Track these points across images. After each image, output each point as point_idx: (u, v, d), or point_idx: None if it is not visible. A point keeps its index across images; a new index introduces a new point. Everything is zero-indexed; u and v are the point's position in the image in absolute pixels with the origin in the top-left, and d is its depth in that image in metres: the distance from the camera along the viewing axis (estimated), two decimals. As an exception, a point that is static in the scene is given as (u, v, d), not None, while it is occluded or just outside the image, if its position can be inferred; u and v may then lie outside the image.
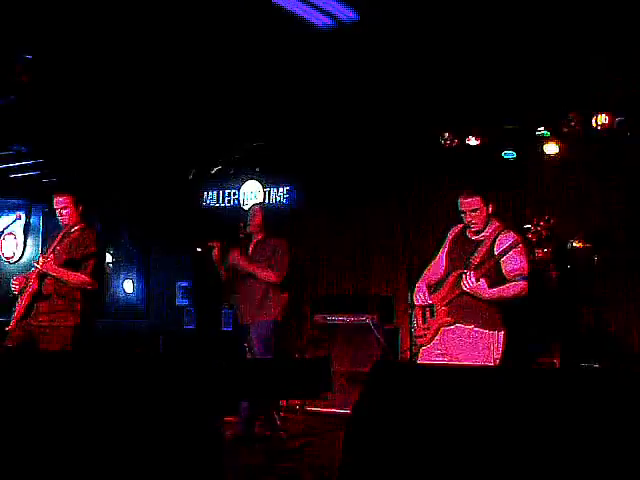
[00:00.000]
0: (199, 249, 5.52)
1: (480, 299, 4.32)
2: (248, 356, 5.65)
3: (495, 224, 4.50)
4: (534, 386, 2.36)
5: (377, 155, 7.49)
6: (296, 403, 6.91)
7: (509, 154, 6.89)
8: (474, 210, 4.44)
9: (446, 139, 6.99)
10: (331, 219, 8.12)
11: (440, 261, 4.67)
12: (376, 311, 6.96)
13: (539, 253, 6.01)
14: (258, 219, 5.94)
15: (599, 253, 6.24)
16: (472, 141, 6.95)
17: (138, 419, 2.72)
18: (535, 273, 6.01)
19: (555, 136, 6.58)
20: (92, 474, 2.65)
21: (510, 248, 4.26)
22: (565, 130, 6.41)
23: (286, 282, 8.10)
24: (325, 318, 7.21)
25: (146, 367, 2.95)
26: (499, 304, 4.38)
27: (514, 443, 2.20)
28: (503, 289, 4.32)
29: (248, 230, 5.91)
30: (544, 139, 6.66)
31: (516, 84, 6.03)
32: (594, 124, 6.23)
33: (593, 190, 6.67)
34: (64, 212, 5.26)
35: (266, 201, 8.56)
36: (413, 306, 4.69)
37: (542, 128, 6.58)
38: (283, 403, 6.76)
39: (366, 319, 6.92)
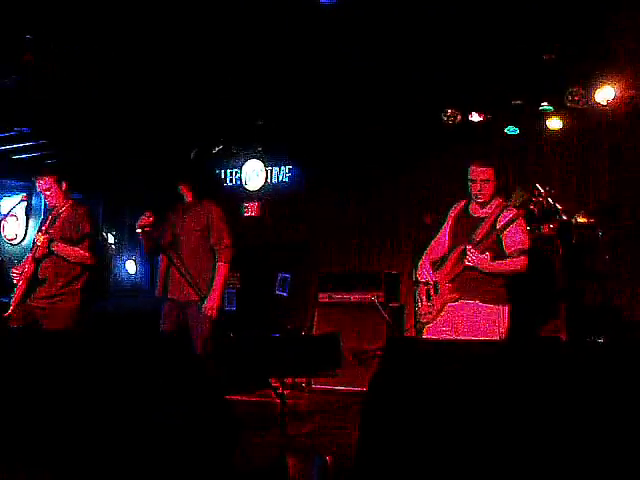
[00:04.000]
0: (139, 230, 5.03)
1: (483, 273, 4.37)
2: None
3: (498, 200, 4.54)
4: (542, 360, 2.38)
5: (380, 133, 7.47)
6: (302, 381, 6.94)
7: (512, 130, 6.87)
8: (485, 181, 4.47)
9: (449, 116, 6.96)
10: (334, 197, 8.11)
11: (442, 238, 4.71)
12: (382, 289, 6.98)
13: (544, 229, 6.03)
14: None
15: (603, 228, 6.23)
16: (475, 117, 6.93)
17: (145, 396, 2.74)
18: (540, 248, 6.06)
19: (558, 111, 6.56)
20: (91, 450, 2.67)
21: (510, 222, 4.32)
22: (568, 105, 6.38)
23: (289, 261, 8.17)
24: (330, 296, 7.24)
25: (152, 347, 2.96)
26: (503, 279, 4.43)
27: (521, 414, 2.23)
28: (504, 263, 4.38)
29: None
30: (547, 114, 6.63)
31: (518, 59, 6.01)
32: (597, 98, 6.22)
33: (597, 165, 6.66)
34: (48, 193, 5.26)
35: (268, 180, 8.55)
36: (417, 283, 4.72)
37: (545, 103, 6.56)
38: (289, 381, 6.79)
39: (371, 297, 6.94)
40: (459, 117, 6.95)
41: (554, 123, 6.66)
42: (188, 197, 5.26)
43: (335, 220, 8.07)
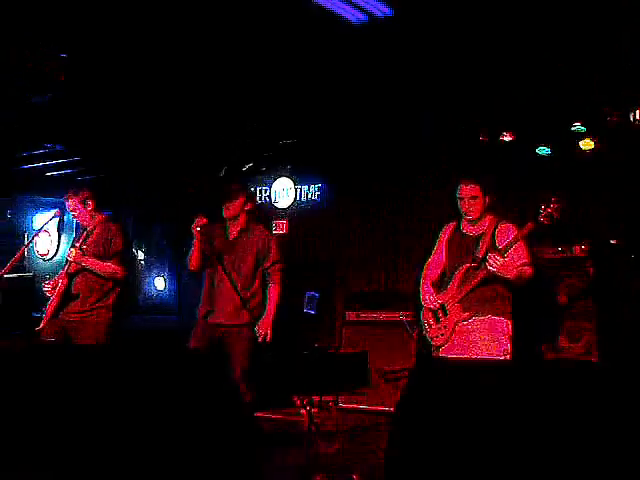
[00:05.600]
0: (198, 229, 5.08)
1: (496, 286, 4.45)
2: None
3: (490, 217, 4.63)
4: (574, 382, 2.34)
5: (410, 152, 7.45)
6: (329, 399, 6.90)
7: (544, 150, 6.81)
8: (473, 197, 4.56)
9: (480, 136, 6.93)
10: (363, 216, 8.09)
11: (438, 258, 4.80)
12: (410, 307, 6.92)
13: (576, 250, 6.01)
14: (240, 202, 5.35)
15: (635, 250, 6.16)
16: (506, 137, 6.87)
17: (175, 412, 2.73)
18: (572, 269, 6.02)
19: (591, 131, 6.48)
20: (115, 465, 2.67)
21: (513, 243, 4.40)
22: (602, 125, 6.31)
23: (317, 279, 8.13)
24: (358, 315, 7.21)
25: (180, 362, 2.96)
26: (510, 294, 4.52)
27: (554, 435, 2.19)
28: (522, 270, 4.43)
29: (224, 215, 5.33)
30: (580, 135, 6.56)
31: (552, 79, 5.97)
32: (632, 119, 6.15)
33: (629, 186, 6.57)
34: (75, 214, 5.40)
35: (297, 198, 8.56)
36: (421, 307, 4.76)
37: (578, 123, 6.49)
38: (316, 399, 6.76)
39: (399, 316, 6.90)
40: (490, 137, 6.91)
41: (587, 144, 6.58)
42: (240, 222, 5.33)
43: (364, 238, 8.05)
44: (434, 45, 5.59)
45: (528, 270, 4.47)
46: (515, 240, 4.40)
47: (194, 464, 2.51)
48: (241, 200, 5.32)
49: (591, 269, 6.00)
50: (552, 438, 2.22)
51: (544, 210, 4.33)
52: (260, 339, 5.10)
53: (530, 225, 4.41)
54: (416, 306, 4.99)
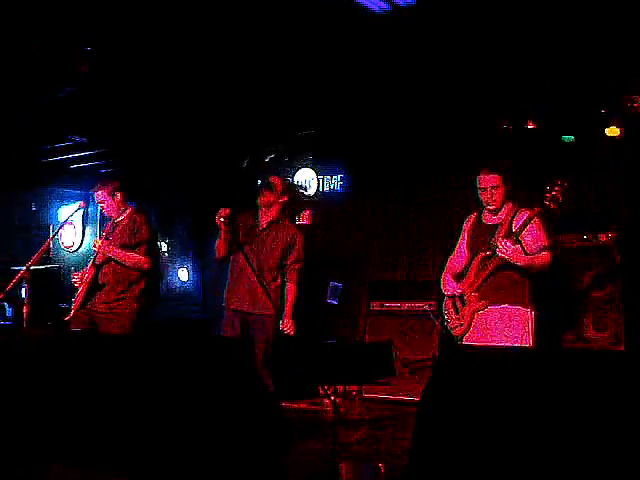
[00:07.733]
0: (221, 219, 5.12)
1: (510, 272, 4.40)
2: None
3: (509, 205, 4.62)
4: (600, 371, 2.33)
5: (431, 141, 7.41)
6: (353, 389, 6.90)
7: (568, 138, 6.73)
8: (495, 187, 4.56)
9: (503, 123, 6.88)
10: (386, 205, 8.07)
11: (461, 251, 4.78)
12: (433, 297, 6.91)
13: (602, 237, 5.97)
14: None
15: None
16: (529, 125, 6.81)
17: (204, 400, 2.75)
18: (599, 257, 5.98)
19: (617, 118, 6.41)
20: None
21: (526, 223, 4.37)
22: (628, 109, 6.23)
23: (340, 269, 8.13)
24: (382, 305, 7.21)
25: (210, 350, 2.98)
26: (529, 283, 4.47)
27: (580, 424, 2.19)
28: (534, 257, 4.40)
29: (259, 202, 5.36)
30: (606, 121, 6.48)
31: (577, 64, 5.91)
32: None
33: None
34: (103, 205, 5.47)
35: (320, 188, 8.55)
36: (443, 297, 4.76)
37: (604, 110, 6.42)
38: (340, 389, 6.76)
39: (423, 306, 6.89)
40: (513, 125, 6.86)
41: (612, 130, 6.50)
42: (272, 213, 5.35)
43: (387, 228, 8.03)
44: (456, 34, 5.55)
45: (545, 256, 4.42)
46: (528, 220, 4.36)
47: (222, 448, 2.53)
48: (278, 191, 5.36)
49: (617, 257, 5.95)
50: (577, 426, 2.21)
51: (549, 193, 4.31)
52: (286, 332, 5.17)
53: (538, 208, 4.38)
54: (439, 296, 4.99)
